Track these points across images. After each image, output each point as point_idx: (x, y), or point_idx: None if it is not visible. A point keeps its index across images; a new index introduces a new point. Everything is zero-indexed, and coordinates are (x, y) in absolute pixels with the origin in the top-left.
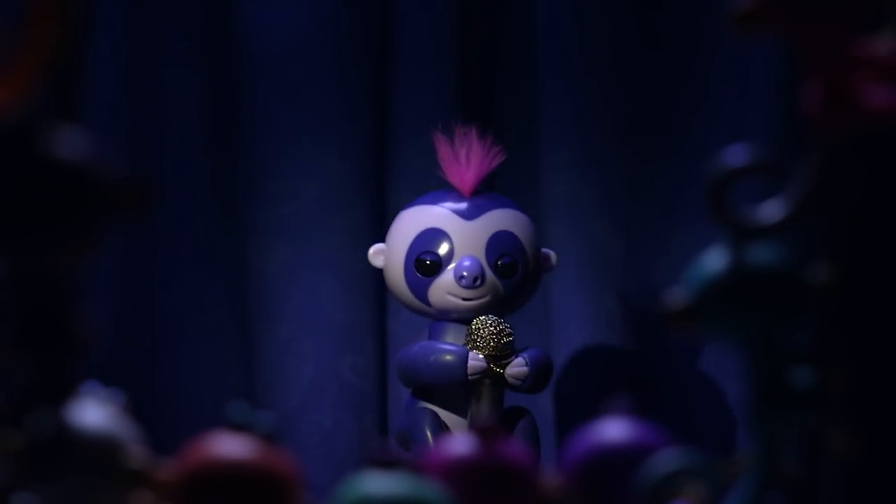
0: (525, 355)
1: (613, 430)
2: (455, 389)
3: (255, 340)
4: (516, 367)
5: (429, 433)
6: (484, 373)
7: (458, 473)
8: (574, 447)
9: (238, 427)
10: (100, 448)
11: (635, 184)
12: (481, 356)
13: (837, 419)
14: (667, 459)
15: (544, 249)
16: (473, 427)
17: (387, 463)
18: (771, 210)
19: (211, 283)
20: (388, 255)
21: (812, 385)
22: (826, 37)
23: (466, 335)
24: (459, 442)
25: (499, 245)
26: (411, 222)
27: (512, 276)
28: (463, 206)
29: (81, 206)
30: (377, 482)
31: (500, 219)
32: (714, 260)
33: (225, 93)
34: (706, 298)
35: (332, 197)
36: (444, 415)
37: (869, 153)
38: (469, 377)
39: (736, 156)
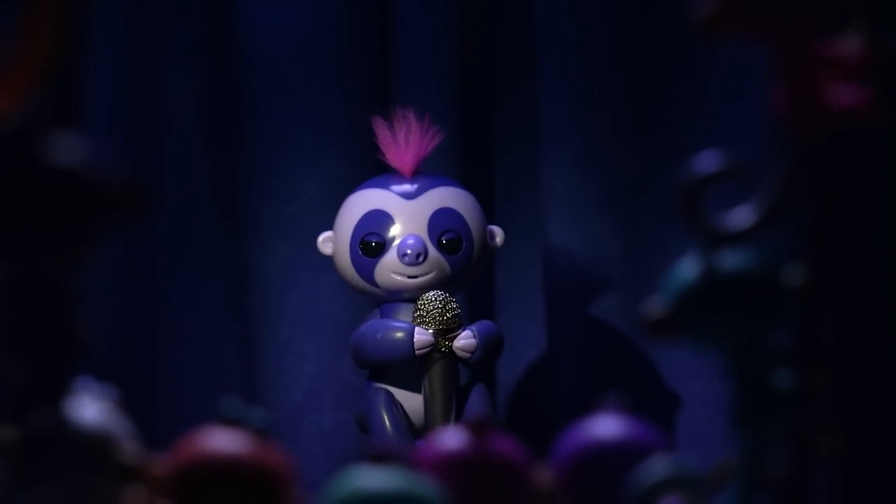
0: (473, 328)
1: (606, 426)
2: (406, 366)
3: (255, 340)
4: (464, 339)
5: (383, 412)
6: (432, 347)
7: (450, 468)
8: (567, 443)
9: (231, 422)
10: (93, 444)
11: (635, 183)
12: (429, 331)
13: (822, 420)
14: (656, 468)
15: (490, 226)
16: (465, 422)
17: (380, 458)
18: (744, 215)
19: (211, 283)
20: (335, 240)
21: (795, 387)
22: (790, 38)
23: (413, 312)
24: (452, 437)
25: (441, 222)
26: (355, 206)
27: (457, 251)
28: (404, 186)
29: (80, 210)
30: (369, 477)
31: (441, 196)
32: (689, 267)
33: (225, 93)
34: (683, 306)
35: (332, 197)
36: (399, 394)
37: (838, 153)
38: (416, 352)
39: (707, 162)
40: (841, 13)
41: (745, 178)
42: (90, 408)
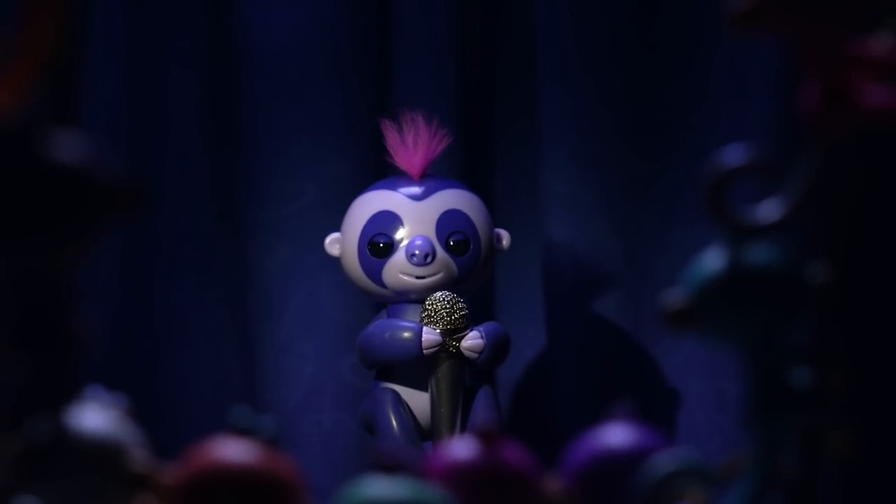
0: (481, 328)
1: (616, 434)
2: (413, 366)
3: (255, 340)
4: (471, 339)
5: (390, 413)
6: (440, 348)
7: (460, 477)
8: (576, 451)
9: (241, 431)
10: (103, 452)
11: (635, 183)
12: (437, 331)
13: (836, 419)
14: (666, 461)
15: (497, 229)
16: (474, 431)
17: (389, 466)
18: (769, 210)
19: (211, 283)
20: (343, 241)
21: (811, 385)
22: (824, 36)
23: (421, 312)
24: (462, 446)
25: (449, 223)
26: (363, 207)
27: (464, 252)
28: (413, 188)
29: (78, 207)
30: (379, 486)
31: (449, 198)
32: (712, 260)
33: (225, 93)
34: (704, 299)
35: (332, 197)
36: (406, 394)
37: (866, 153)
38: (424, 352)
39: (734, 155)
40: (874, 12)
41: (771, 173)
42: (99, 416)
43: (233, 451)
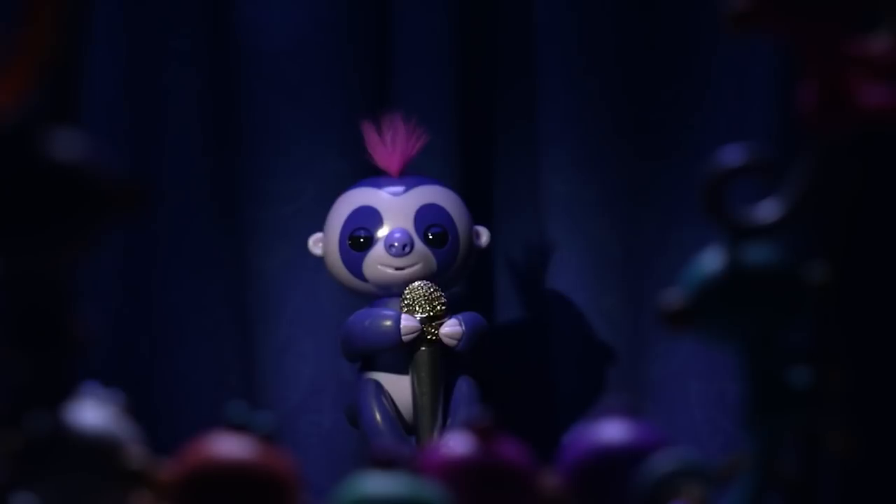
0: (459, 317)
1: (611, 430)
2: (393, 354)
3: (254, 340)
4: (450, 326)
5: (372, 402)
6: (419, 335)
7: (456, 473)
8: (572, 447)
9: (237, 427)
10: (99, 448)
11: (635, 183)
12: (416, 318)
13: (835, 419)
14: (664, 460)
15: (476, 226)
16: (470, 427)
17: (386, 463)
18: (767, 210)
19: (211, 283)
20: (325, 239)
21: (809, 385)
22: (821, 36)
23: (400, 301)
24: (458, 442)
25: (427, 216)
26: (343, 205)
27: (443, 245)
28: (392, 185)
29: (77, 207)
30: (376, 482)
31: (427, 193)
32: (711, 260)
33: (225, 93)
34: (703, 299)
35: (332, 197)
36: (388, 384)
37: (865, 152)
38: (403, 338)
39: (732, 155)
40: (872, 12)
41: (769, 173)
42: (96, 412)
43: (228, 446)
